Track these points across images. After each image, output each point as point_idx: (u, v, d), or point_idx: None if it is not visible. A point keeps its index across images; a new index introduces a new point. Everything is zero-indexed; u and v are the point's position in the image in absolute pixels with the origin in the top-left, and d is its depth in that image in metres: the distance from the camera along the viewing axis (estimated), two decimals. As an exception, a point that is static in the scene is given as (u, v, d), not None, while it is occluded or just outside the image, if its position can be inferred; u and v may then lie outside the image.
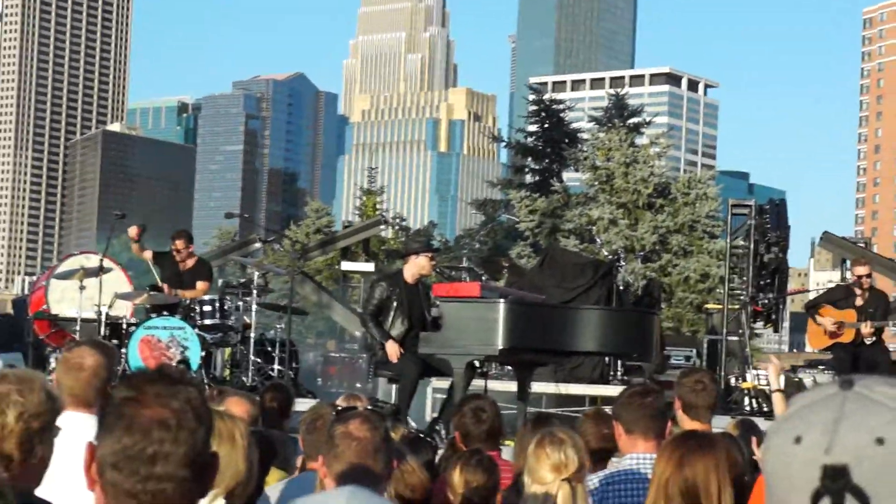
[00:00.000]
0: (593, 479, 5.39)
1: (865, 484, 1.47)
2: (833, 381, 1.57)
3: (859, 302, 14.84)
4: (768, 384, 16.03)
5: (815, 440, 1.51)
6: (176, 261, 14.79)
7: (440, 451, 7.74)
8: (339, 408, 5.34)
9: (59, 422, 3.69)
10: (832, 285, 17.66)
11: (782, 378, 7.31)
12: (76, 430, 3.98)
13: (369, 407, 6.83)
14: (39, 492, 3.55)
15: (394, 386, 12.19)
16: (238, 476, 3.93)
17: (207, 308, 14.29)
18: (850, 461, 1.48)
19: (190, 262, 14.86)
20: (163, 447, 2.26)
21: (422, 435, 7.92)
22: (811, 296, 17.71)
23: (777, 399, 7.07)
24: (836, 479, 1.48)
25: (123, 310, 14.68)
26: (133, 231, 14.68)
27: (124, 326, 14.13)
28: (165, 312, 14.08)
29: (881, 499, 1.47)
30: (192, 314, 14.21)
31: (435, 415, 12.17)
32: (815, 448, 1.50)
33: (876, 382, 1.54)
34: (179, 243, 14.88)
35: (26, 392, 3.56)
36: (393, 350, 11.23)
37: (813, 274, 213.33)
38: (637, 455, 5.51)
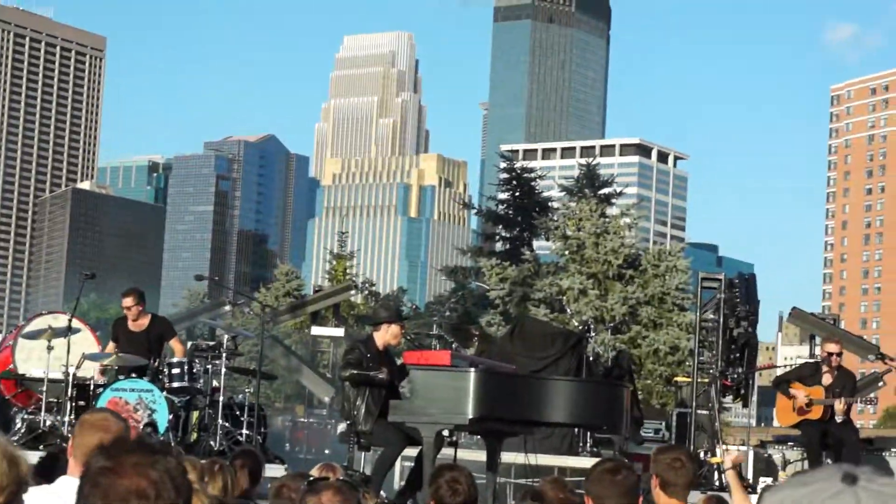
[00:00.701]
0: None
1: None
2: (832, 476, 1.56)
3: (827, 380, 14.89)
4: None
5: None
6: (128, 327, 14.57)
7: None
8: (311, 478, 5.30)
9: (66, 485, 3.58)
10: (801, 361, 17.72)
11: (731, 470, 7.26)
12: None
13: (341, 477, 6.79)
14: None
15: (364, 454, 12.12)
16: None
17: (176, 371, 14.20)
18: None
19: (143, 321, 14.68)
20: None
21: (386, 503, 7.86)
22: (779, 371, 17.79)
23: (731, 477, 7.04)
24: None
25: (91, 371, 14.56)
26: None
27: (91, 387, 14.01)
28: (133, 374, 13.98)
29: None
30: (161, 377, 14.11)
31: (402, 483, 12.09)
32: None
33: (874, 475, 1.54)
34: (128, 300, 14.61)
35: None
36: (385, 375, 11.23)
37: (780, 348, 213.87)
38: (609, 532, 5.50)
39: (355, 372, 11.44)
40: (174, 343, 14.88)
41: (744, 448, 16.93)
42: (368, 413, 11.36)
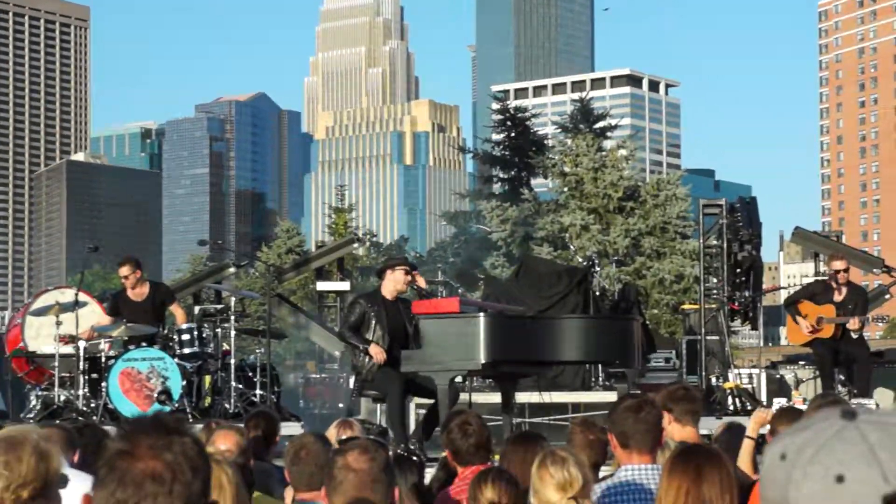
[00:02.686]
0: (595, 489, 5.41)
1: None
2: (829, 415, 1.54)
3: (838, 297, 14.90)
4: (751, 382, 16.10)
5: (863, 474, 1.47)
6: (129, 297, 14.54)
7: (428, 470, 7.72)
8: (341, 438, 5.28)
9: None
10: (805, 279, 17.72)
11: (763, 429, 7.25)
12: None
13: (358, 434, 6.81)
14: None
15: (378, 405, 12.15)
16: None
17: (186, 337, 14.22)
18: None
19: (143, 290, 14.63)
20: (157, 501, 2.22)
21: (407, 454, 7.89)
22: (783, 293, 17.80)
23: (746, 448, 6.99)
24: None
25: (101, 343, 14.59)
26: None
27: (103, 360, 14.04)
28: (144, 344, 14.01)
29: None
30: (171, 344, 14.13)
31: (415, 428, 12.14)
32: (867, 481, 1.47)
33: (870, 409, 1.53)
34: (124, 269, 14.48)
35: (13, 462, 3.43)
36: (377, 351, 11.23)
37: (783, 267, 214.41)
38: (633, 466, 5.54)
39: (346, 334, 11.51)
40: (175, 308, 14.86)
41: (748, 370, 16.96)
42: (370, 364, 11.41)
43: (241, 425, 7.85)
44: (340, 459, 4.14)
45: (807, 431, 1.54)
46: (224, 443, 6.61)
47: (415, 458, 7.69)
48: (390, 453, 6.33)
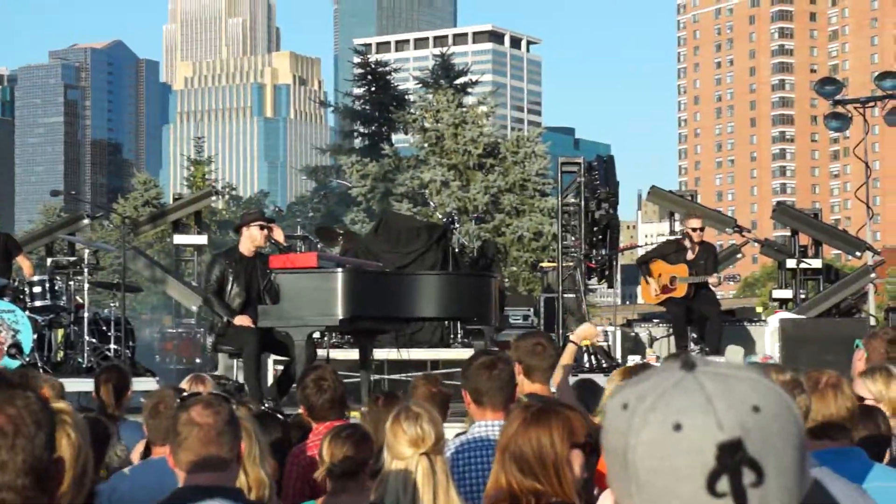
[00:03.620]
0: (450, 445, 5.44)
1: (756, 454, 1.48)
2: (669, 366, 1.57)
3: (690, 255, 15.22)
4: (606, 340, 16.33)
5: (699, 422, 1.50)
6: None
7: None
8: (184, 394, 5.26)
9: None
10: (661, 238, 18.01)
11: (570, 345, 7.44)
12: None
13: (213, 390, 6.75)
14: None
15: (235, 361, 12.08)
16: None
17: (37, 289, 13.93)
18: (741, 434, 1.48)
19: None
20: None
21: (271, 411, 7.86)
22: (640, 252, 18.09)
23: (568, 349, 7.22)
24: (734, 454, 1.48)
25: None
26: None
27: (-49, 313, 13.69)
28: (-7, 296, 13.70)
29: (769, 466, 1.49)
30: (22, 296, 13.84)
31: (271, 385, 12.11)
32: (703, 429, 1.49)
33: (709, 361, 1.57)
34: None
35: None
36: (243, 320, 11.18)
37: (641, 226, 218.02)
38: (486, 423, 5.58)
39: (212, 301, 11.48)
40: (21, 259, 14.56)
41: (604, 328, 17.21)
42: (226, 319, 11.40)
43: (57, 379, 7.72)
44: (184, 415, 4.11)
45: (647, 381, 1.57)
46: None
47: (279, 415, 7.67)
48: (244, 408, 6.30)
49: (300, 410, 7.08)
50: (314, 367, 7.45)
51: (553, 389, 6.56)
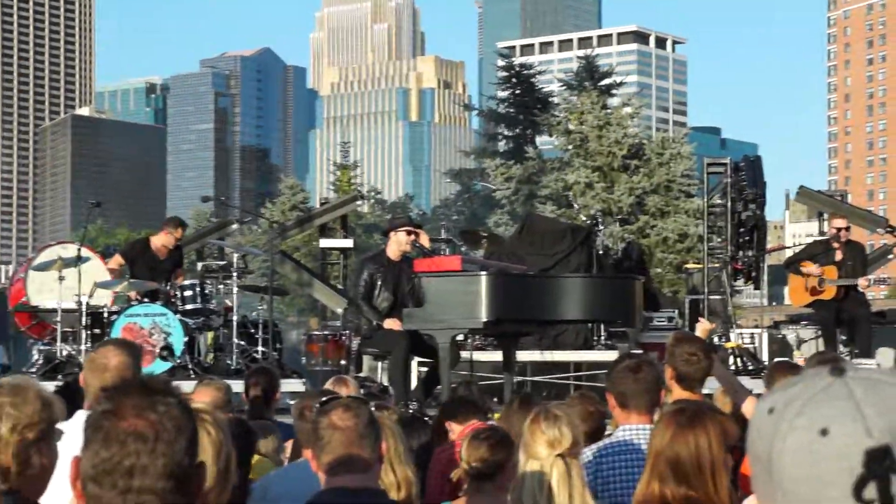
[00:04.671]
0: (587, 453, 5.41)
1: None
2: (818, 372, 1.56)
3: (838, 256, 14.92)
4: (753, 342, 16.11)
5: (847, 428, 1.49)
6: (153, 254, 14.65)
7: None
8: (323, 398, 5.34)
9: (82, 420, 3.63)
10: (809, 238, 17.69)
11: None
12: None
13: (353, 393, 6.84)
14: (46, 499, 3.55)
15: (379, 363, 12.19)
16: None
17: (188, 293, 14.23)
18: (891, 441, 1.47)
19: (167, 249, 14.80)
20: (140, 459, 2.26)
21: (418, 415, 7.92)
22: (789, 252, 17.79)
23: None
24: (882, 461, 1.47)
25: (104, 299, 14.62)
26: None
27: (105, 315, 14.06)
28: (146, 299, 14.03)
29: None
30: (174, 300, 14.15)
31: (416, 385, 12.21)
32: (851, 435, 1.48)
33: (859, 366, 1.56)
34: (180, 232, 14.91)
35: (20, 403, 3.55)
36: (393, 324, 11.32)
37: (788, 226, 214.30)
38: (630, 426, 5.54)
39: (363, 307, 11.66)
40: (178, 272, 15.02)
41: (751, 330, 16.96)
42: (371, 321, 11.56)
43: (223, 382, 7.90)
44: (325, 419, 4.19)
45: (795, 387, 1.56)
46: (200, 399, 6.61)
47: (425, 418, 7.73)
48: (396, 413, 6.36)
49: (438, 417, 7.11)
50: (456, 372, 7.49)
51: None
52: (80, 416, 4.85)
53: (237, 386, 9.35)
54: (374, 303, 11.59)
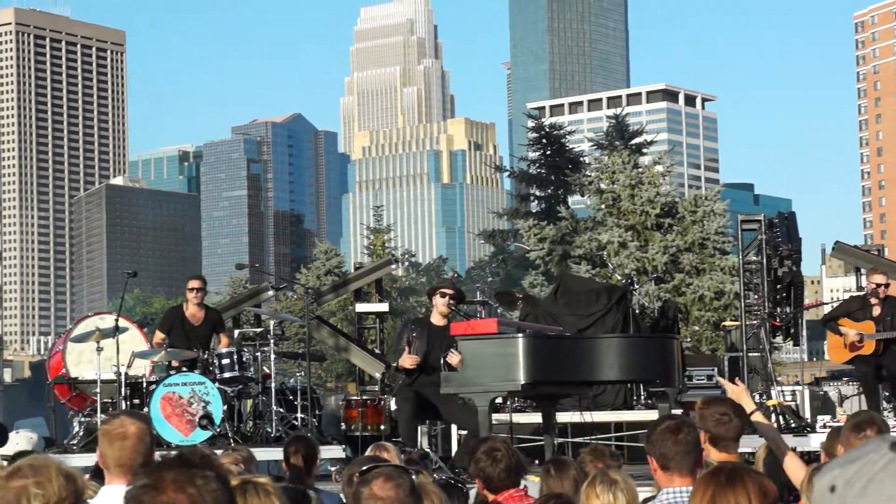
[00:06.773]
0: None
1: None
2: (878, 447, 1.54)
3: (876, 311, 14.80)
4: (794, 399, 15.99)
5: None
6: (187, 320, 14.68)
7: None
8: (363, 468, 5.33)
9: (106, 495, 3.65)
10: (846, 293, 17.58)
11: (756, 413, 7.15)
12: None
13: (394, 459, 6.81)
14: None
15: (420, 427, 12.20)
16: None
17: (226, 361, 14.26)
18: None
19: (201, 314, 14.80)
20: None
21: (455, 482, 7.87)
22: (826, 308, 17.67)
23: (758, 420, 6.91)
24: None
25: (142, 369, 14.67)
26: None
27: (144, 385, 14.11)
28: (184, 368, 14.06)
29: None
30: (211, 368, 14.18)
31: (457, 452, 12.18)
32: None
33: None
34: (197, 282, 14.94)
35: (44, 482, 3.55)
36: (407, 361, 11.40)
37: (826, 281, 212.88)
38: (674, 489, 5.50)
39: (396, 367, 11.76)
40: (222, 336, 15.01)
41: (792, 388, 16.84)
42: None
43: (246, 449, 7.96)
44: (366, 490, 4.18)
45: (855, 464, 1.54)
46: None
47: (460, 485, 7.67)
48: (434, 479, 6.33)
49: (475, 484, 7.04)
50: (483, 438, 7.42)
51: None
52: (106, 491, 4.86)
53: (277, 454, 9.34)
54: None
